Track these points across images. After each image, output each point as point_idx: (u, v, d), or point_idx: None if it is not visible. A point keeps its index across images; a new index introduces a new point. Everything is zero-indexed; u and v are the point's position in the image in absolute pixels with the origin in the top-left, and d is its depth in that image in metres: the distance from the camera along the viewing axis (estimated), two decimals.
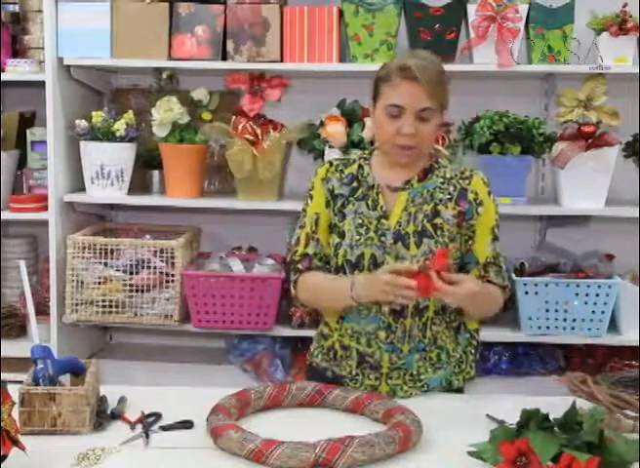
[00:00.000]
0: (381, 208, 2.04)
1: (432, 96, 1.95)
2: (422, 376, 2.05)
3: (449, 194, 2.05)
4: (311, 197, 2.12)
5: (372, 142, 2.61)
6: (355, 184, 2.08)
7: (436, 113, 1.98)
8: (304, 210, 2.13)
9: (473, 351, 2.15)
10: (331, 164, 2.13)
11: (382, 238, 2.02)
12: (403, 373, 2.04)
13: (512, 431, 1.60)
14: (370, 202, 2.05)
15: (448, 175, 2.07)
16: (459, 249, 2.06)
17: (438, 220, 2.03)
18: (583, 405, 1.81)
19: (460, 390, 2.15)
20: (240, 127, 2.97)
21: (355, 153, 2.15)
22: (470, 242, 2.06)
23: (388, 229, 2.02)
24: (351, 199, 2.07)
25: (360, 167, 2.10)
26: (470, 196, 2.05)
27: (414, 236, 2.01)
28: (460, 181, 2.07)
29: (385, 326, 2.02)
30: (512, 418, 1.68)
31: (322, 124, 2.95)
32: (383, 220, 2.03)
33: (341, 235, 2.06)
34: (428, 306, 2.03)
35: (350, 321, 2.06)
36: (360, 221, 2.04)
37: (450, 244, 2.01)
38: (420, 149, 2.01)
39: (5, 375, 2.39)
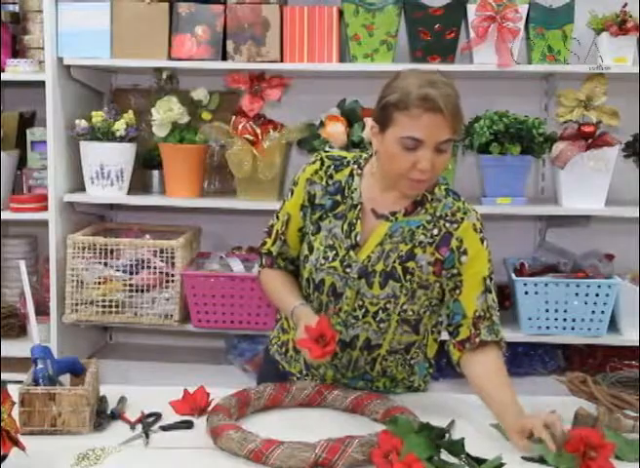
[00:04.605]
0: (356, 236, 1.89)
1: (453, 126, 1.77)
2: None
3: (431, 237, 1.88)
4: (292, 193, 1.99)
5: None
6: (339, 197, 1.92)
7: (452, 142, 1.82)
8: (284, 202, 2.02)
9: (430, 379, 2.11)
10: (322, 163, 1.96)
11: (347, 269, 1.89)
12: (346, 387, 1.98)
13: None
14: (346, 225, 1.90)
15: (437, 214, 1.89)
16: (436, 297, 1.93)
17: (411, 264, 1.87)
18: (584, 405, 1.81)
19: None
20: (240, 127, 2.97)
21: (351, 154, 2.00)
22: (457, 292, 1.88)
23: (355, 262, 1.89)
24: (330, 214, 1.92)
25: (351, 175, 1.93)
26: (454, 243, 1.87)
27: (380, 276, 1.87)
28: (448, 225, 1.88)
29: None
30: None
31: (322, 124, 2.95)
32: (352, 253, 1.89)
33: (311, 249, 1.94)
34: (381, 344, 1.95)
35: None
36: (331, 243, 1.91)
37: (419, 290, 1.89)
38: (432, 181, 1.86)
39: (5, 375, 2.39)
